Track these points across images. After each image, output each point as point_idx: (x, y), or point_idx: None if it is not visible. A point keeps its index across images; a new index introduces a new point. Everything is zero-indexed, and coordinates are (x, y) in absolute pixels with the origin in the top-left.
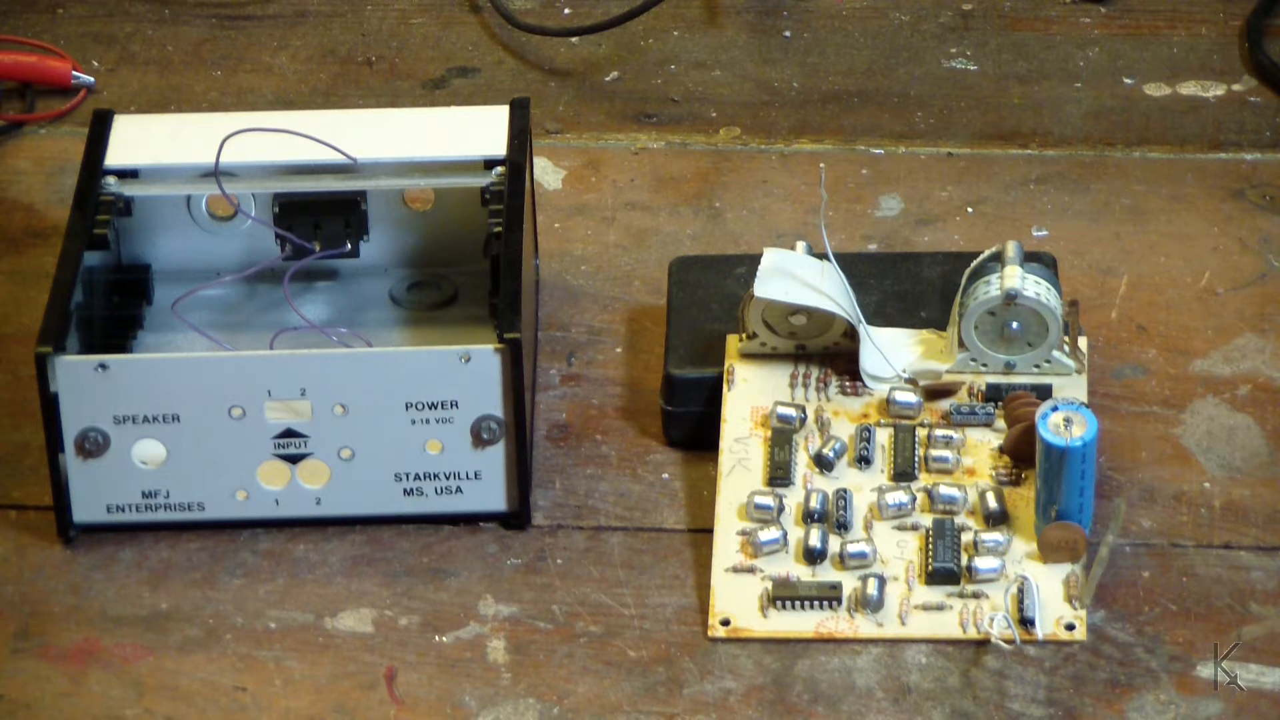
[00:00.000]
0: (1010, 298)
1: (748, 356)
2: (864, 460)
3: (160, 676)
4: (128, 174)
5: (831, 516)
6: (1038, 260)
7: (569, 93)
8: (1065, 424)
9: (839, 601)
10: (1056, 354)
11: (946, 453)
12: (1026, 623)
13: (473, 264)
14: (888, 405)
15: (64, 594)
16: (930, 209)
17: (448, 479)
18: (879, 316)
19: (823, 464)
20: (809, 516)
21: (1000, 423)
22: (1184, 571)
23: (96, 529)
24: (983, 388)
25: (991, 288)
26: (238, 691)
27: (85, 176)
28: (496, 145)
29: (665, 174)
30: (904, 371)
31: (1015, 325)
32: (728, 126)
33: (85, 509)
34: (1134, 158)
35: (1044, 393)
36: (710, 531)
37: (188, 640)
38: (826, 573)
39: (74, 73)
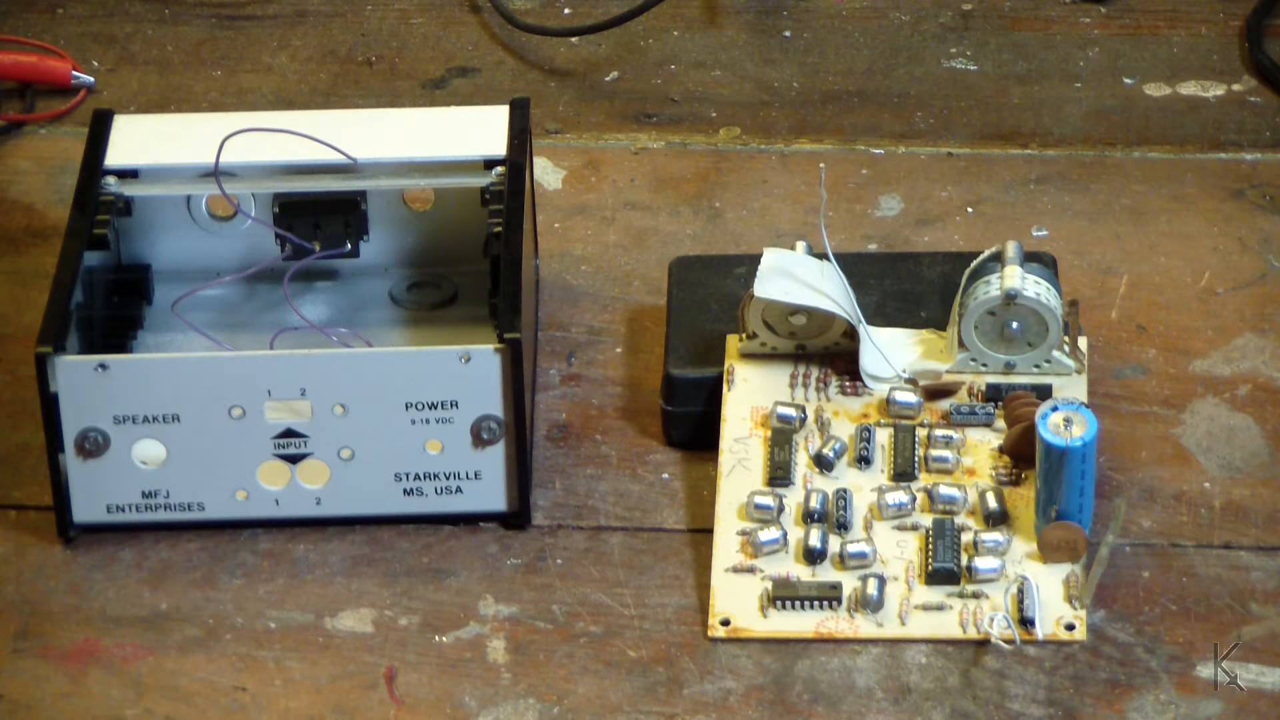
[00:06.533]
0: (1010, 298)
1: (748, 356)
2: (864, 460)
3: (160, 676)
4: (128, 174)
5: (831, 516)
6: (1038, 260)
7: (569, 93)
8: (1065, 424)
9: (839, 601)
10: (1056, 354)
11: (946, 453)
12: (1026, 623)
13: (473, 264)
14: (888, 405)
15: (64, 594)
16: (930, 209)
17: (448, 479)
18: (879, 316)
19: (823, 464)
20: (809, 516)
21: (1000, 423)
22: (1184, 571)
23: (96, 529)
24: (983, 388)
25: (991, 288)
26: (238, 691)
27: (85, 176)
28: (496, 145)
29: (665, 174)
30: (904, 371)
31: (1015, 325)
32: (728, 126)
33: (85, 509)
34: (1134, 158)
35: (1044, 393)
36: (710, 531)
37: (188, 640)
38: (826, 573)
39: (74, 73)
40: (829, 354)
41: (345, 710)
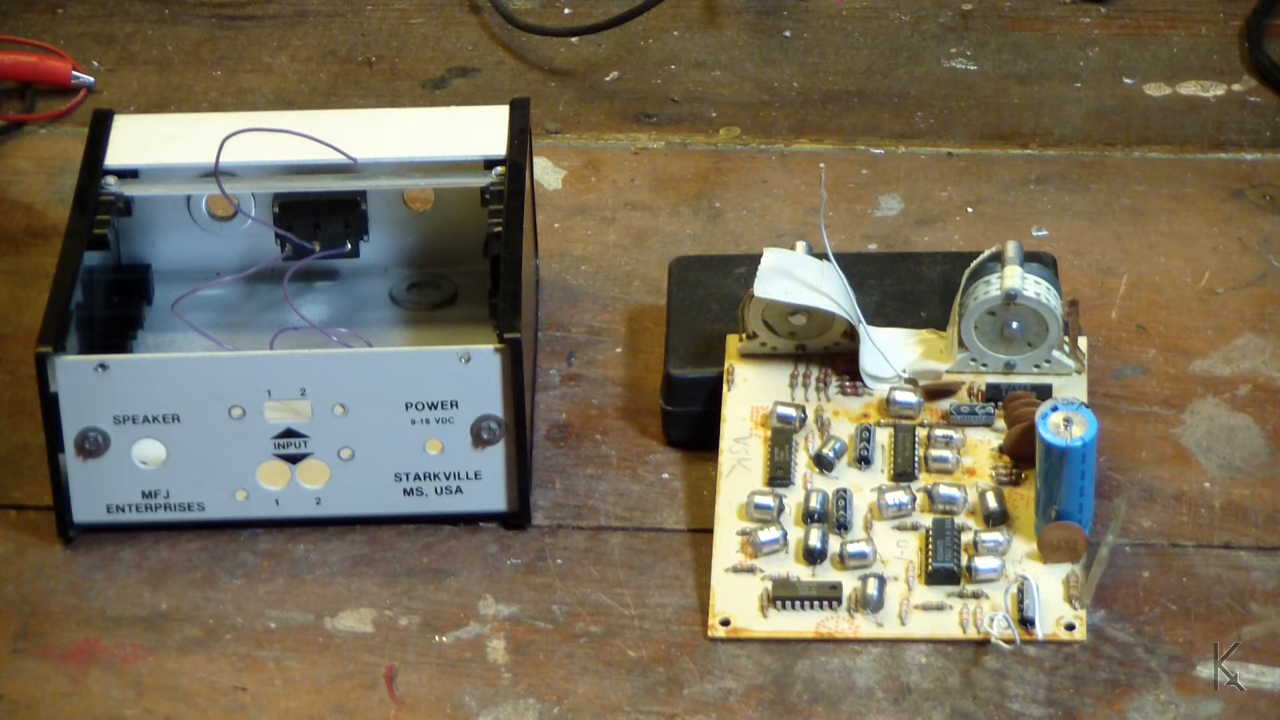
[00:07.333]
0: (1010, 298)
1: (748, 356)
2: (864, 460)
3: (160, 676)
4: (128, 174)
5: (831, 516)
6: (1038, 260)
7: (569, 93)
8: (1065, 424)
9: (839, 601)
10: (1056, 354)
11: (946, 453)
12: (1026, 623)
13: (473, 264)
14: (888, 405)
15: (64, 594)
16: (930, 209)
17: (448, 479)
18: (879, 316)
19: (823, 464)
20: (809, 516)
21: (1000, 423)
22: (1184, 571)
23: (96, 529)
24: (983, 388)
25: (991, 288)
26: (238, 691)
27: (85, 176)
28: (496, 145)
29: (665, 174)
30: (904, 371)
31: (1015, 325)
32: (728, 126)
33: (85, 509)
34: (1134, 158)
35: (1044, 393)
36: (710, 531)
37: (188, 640)
38: (826, 573)
39: (74, 73)
40: (829, 354)
41: (345, 710)
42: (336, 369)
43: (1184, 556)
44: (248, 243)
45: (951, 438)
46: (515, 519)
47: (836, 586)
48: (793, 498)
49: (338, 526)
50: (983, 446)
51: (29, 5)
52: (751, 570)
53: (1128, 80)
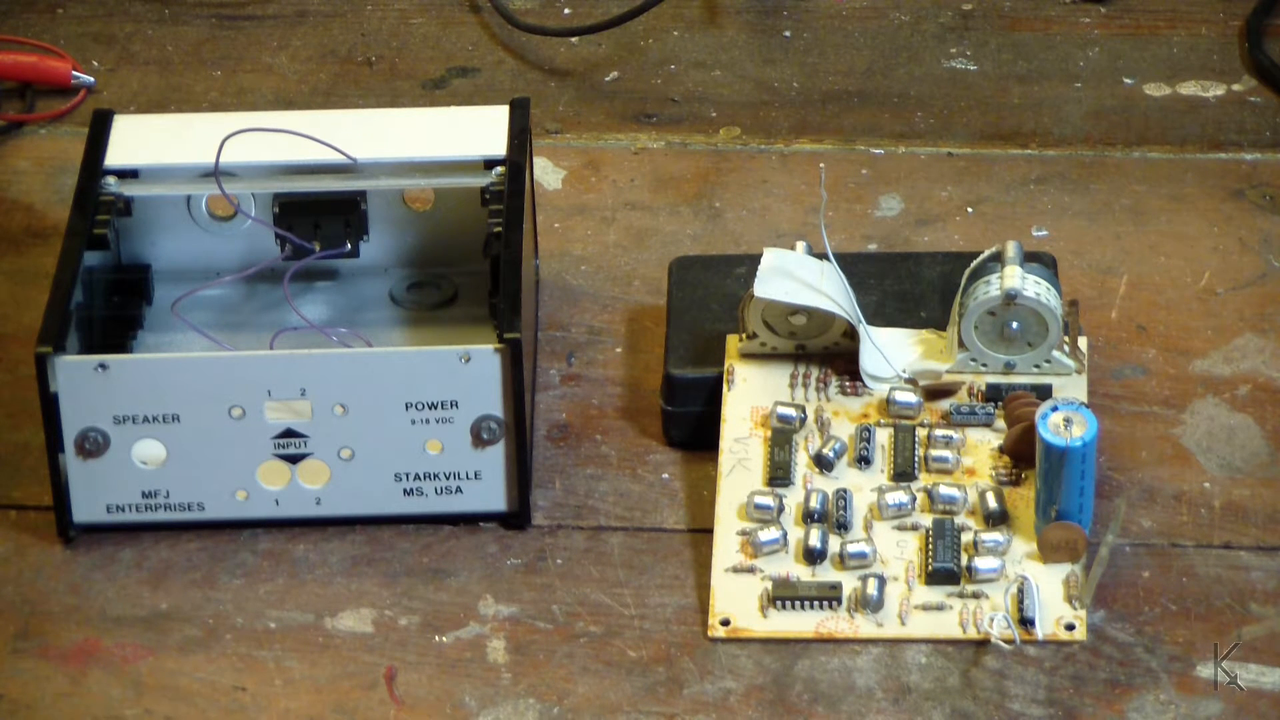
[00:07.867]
0: (1010, 298)
1: (748, 356)
2: (864, 460)
3: (160, 676)
4: (128, 174)
5: (831, 516)
6: (1038, 260)
7: (569, 93)
8: (1065, 424)
9: (839, 601)
10: (1056, 354)
11: (946, 453)
12: (1026, 623)
13: (473, 264)
14: (888, 405)
15: (64, 594)
16: (930, 209)
17: (448, 479)
18: (879, 316)
19: (823, 464)
20: (809, 516)
21: (1000, 423)
22: (1184, 571)
23: (96, 529)
24: (983, 388)
25: (991, 288)
26: (238, 691)
27: (85, 176)
28: (496, 145)
29: (665, 174)
30: (904, 371)
31: (1015, 325)
32: (728, 126)
33: (85, 509)
34: (1134, 158)
35: (1044, 393)
36: (710, 531)
37: (188, 640)
38: (826, 573)
39: (74, 73)
40: (829, 354)
41: (345, 710)
42: (336, 369)
43: (1184, 556)
44: (248, 243)
45: (951, 438)
46: (515, 519)
47: (836, 586)
48: (793, 498)
49: (338, 526)
50: (983, 446)
51: (29, 5)
52: (751, 570)
53: (1128, 80)
